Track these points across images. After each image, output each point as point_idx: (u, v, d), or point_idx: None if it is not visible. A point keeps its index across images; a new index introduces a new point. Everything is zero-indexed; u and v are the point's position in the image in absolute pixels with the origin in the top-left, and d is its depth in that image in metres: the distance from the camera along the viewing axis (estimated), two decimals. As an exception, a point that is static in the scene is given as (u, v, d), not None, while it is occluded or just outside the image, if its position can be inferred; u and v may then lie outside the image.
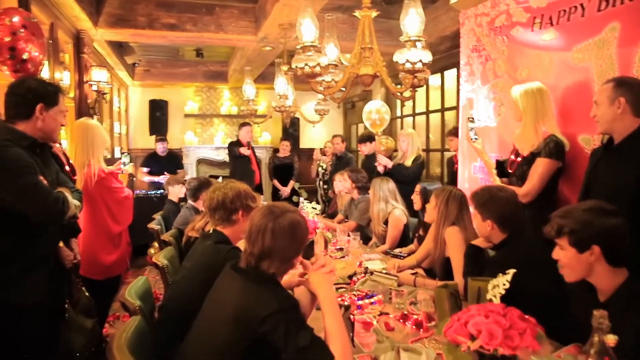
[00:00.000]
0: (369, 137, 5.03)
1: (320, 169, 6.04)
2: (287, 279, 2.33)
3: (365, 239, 3.90)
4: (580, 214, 1.55)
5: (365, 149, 4.96)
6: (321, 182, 6.03)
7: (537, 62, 2.84)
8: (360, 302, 2.13)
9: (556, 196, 2.58)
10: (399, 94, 2.09)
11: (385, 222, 3.65)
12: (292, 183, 6.29)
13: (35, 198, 1.79)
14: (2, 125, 1.89)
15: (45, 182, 1.85)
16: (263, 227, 1.47)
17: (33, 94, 1.89)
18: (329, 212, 5.49)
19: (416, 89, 2.25)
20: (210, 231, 2.08)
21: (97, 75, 4.18)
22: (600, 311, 1.19)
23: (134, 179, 3.45)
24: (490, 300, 1.50)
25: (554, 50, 2.71)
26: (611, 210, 1.55)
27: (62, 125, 2.02)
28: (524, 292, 1.77)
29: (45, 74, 3.15)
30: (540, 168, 2.42)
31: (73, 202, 1.94)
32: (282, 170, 6.34)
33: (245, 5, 4.48)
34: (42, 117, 1.90)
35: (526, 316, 1.34)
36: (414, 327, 1.88)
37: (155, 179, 6.14)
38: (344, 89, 2.11)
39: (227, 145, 6.00)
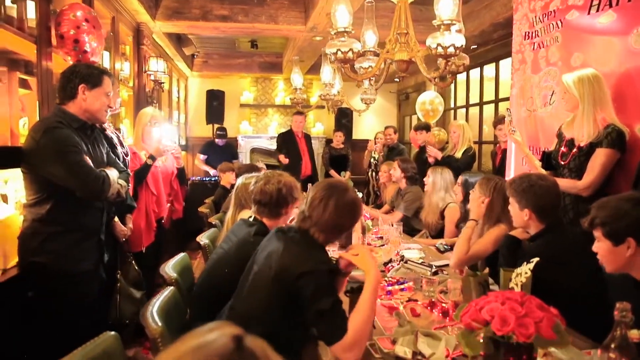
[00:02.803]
0: (425, 126, 4.96)
1: (372, 159, 6.04)
2: None
3: (411, 230, 3.86)
4: (615, 205, 1.46)
5: (420, 137, 4.88)
6: (373, 173, 6.03)
7: (593, 47, 2.68)
8: (390, 288, 2.14)
9: (610, 189, 2.43)
10: (434, 79, 2.06)
11: (441, 215, 3.58)
12: (347, 174, 6.41)
13: (77, 175, 1.96)
14: (57, 109, 2.08)
15: (89, 161, 2.01)
16: (326, 197, 1.56)
17: (76, 76, 2.06)
18: (378, 202, 5.47)
19: (455, 75, 2.21)
20: (252, 219, 2.14)
21: (155, 66, 4.42)
22: (623, 303, 1.13)
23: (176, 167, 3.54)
24: (512, 288, 1.46)
25: (611, 34, 2.53)
26: None
27: (110, 107, 2.18)
28: (557, 286, 1.71)
29: (106, 64, 3.39)
30: (603, 159, 2.29)
31: (117, 181, 2.09)
32: (337, 162, 6.49)
33: (294, -5, 4.56)
34: (85, 97, 2.06)
35: (547, 306, 1.30)
36: (440, 314, 1.86)
37: (208, 168, 6.42)
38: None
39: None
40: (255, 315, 1.53)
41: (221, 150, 6.64)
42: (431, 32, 1.90)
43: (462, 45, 1.78)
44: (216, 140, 6.66)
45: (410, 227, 3.90)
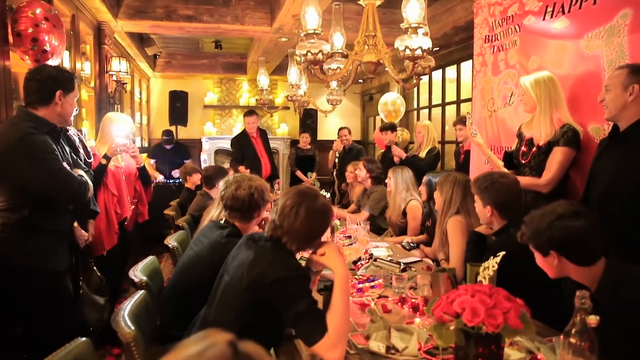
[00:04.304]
0: (391, 126, 5.04)
1: (337, 159, 6.11)
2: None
3: (377, 229, 3.92)
4: (537, 220, 1.53)
5: (386, 137, 4.96)
6: (338, 173, 6.09)
7: (548, 51, 2.82)
8: (360, 286, 2.18)
9: (566, 186, 2.57)
10: (402, 81, 2.11)
11: (403, 213, 3.67)
12: (314, 175, 6.41)
13: (61, 182, 1.95)
14: (25, 112, 2.01)
15: (67, 167, 2.01)
16: (297, 205, 1.56)
17: (53, 81, 2.02)
18: (343, 202, 5.54)
19: (421, 77, 2.28)
20: (223, 221, 2.13)
21: (117, 66, 4.31)
22: (582, 291, 1.20)
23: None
24: (480, 282, 1.53)
25: (565, 39, 2.68)
26: (569, 213, 1.50)
27: (76, 110, 2.14)
28: (518, 278, 1.79)
29: (66, 64, 3.27)
30: (560, 157, 2.41)
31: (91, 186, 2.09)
32: (304, 162, 6.48)
33: (260, -4, 4.56)
34: (61, 102, 2.04)
35: (513, 297, 1.37)
36: (410, 309, 1.91)
37: (156, 174, 6.26)
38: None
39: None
40: (228, 321, 1.52)
41: (170, 153, 6.49)
42: (394, 34, 1.95)
43: (429, 48, 1.84)
44: (163, 143, 6.50)
45: (377, 226, 3.97)
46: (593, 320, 1.19)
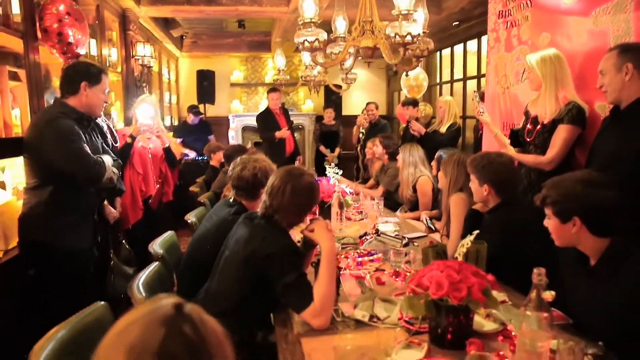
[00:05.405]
0: (412, 101, 5.05)
1: (361, 134, 6.15)
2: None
3: (394, 205, 4.03)
4: (566, 185, 1.54)
5: (407, 112, 4.99)
6: (362, 148, 6.14)
7: (558, 27, 2.79)
8: (360, 259, 2.32)
9: (571, 164, 2.59)
10: (396, 65, 2.19)
11: (414, 189, 3.77)
12: (338, 150, 6.49)
13: (79, 161, 2.18)
14: (57, 101, 2.32)
15: (88, 149, 2.23)
16: (284, 184, 1.72)
17: (79, 74, 2.29)
18: (366, 177, 5.63)
19: (419, 59, 2.35)
20: (232, 200, 2.31)
21: (142, 51, 4.52)
22: (539, 268, 1.30)
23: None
24: (457, 258, 1.64)
25: (574, 15, 2.65)
26: (602, 182, 1.52)
27: (105, 102, 2.40)
28: (509, 256, 1.88)
29: (93, 51, 3.49)
30: (564, 134, 2.43)
31: (111, 168, 2.30)
32: (328, 138, 6.56)
33: (277, -23, 4.61)
34: (86, 93, 2.29)
35: (483, 273, 1.48)
36: (403, 283, 2.04)
37: (185, 150, 6.43)
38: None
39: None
40: (229, 293, 1.72)
41: (197, 130, 6.53)
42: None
43: (418, 34, 1.90)
44: (191, 118, 6.47)
45: (394, 202, 4.06)
46: (548, 295, 1.29)
